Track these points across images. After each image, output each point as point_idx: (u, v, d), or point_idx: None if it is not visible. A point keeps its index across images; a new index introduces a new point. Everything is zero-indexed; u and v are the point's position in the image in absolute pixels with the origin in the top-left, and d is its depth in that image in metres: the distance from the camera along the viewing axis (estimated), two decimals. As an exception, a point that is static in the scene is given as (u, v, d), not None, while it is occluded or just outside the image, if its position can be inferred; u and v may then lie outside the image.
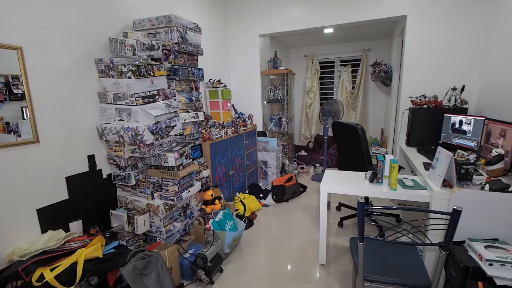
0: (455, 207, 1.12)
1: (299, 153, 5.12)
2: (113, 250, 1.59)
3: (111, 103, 1.87)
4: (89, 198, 1.91)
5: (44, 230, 1.63)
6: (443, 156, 1.62)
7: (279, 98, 3.94)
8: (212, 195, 2.31)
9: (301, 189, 3.58)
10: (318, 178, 4.07)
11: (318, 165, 4.65)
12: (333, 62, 5.59)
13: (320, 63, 5.58)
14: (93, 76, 1.90)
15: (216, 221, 2.17)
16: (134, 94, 1.74)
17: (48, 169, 1.66)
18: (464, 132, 2.28)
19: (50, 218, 1.67)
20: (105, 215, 2.01)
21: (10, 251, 1.45)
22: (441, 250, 1.20)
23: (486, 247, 1.37)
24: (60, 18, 1.71)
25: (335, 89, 5.68)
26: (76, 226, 1.78)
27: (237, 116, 3.40)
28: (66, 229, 1.71)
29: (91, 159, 1.93)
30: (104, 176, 2.02)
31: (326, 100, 5.34)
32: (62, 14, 1.72)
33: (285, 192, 3.27)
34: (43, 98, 1.62)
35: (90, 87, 1.90)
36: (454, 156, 1.61)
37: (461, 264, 1.34)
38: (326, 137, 3.94)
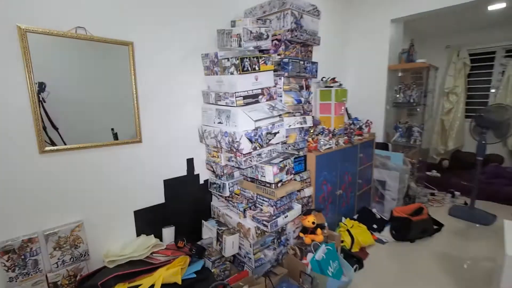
0: None
1: (428, 172, 3.94)
2: (194, 275, 1.36)
3: (213, 103, 1.67)
4: (184, 204, 1.79)
5: (138, 233, 1.58)
6: None
7: (412, 100, 3.02)
8: (314, 223, 1.83)
9: (435, 227, 2.61)
10: (460, 213, 2.91)
11: (458, 193, 3.40)
12: (493, 53, 4.03)
13: (470, 55, 4.13)
14: (198, 74, 1.75)
15: (316, 259, 1.68)
16: (235, 92, 1.46)
17: (147, 170, 1.60)
18: None
19: (145, 221, 1.61)
20: (197, 223, 1.87)
21: (105, 251, 1.42)
22: None
23: None
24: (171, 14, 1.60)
25: (492, 90, 4.10)
26: (168, 232, 1.68)
27: (351, 122, 2.77)
28: (159, 234, 1.63)
29: (190, 162, 1.81)
30: (201, 181, 1.88)
31: (475, 105, 3.92)
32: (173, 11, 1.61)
33: (411, 229, 2.41)
34: (148, 96, 1.54)
35: (195, 85, 1.75)
36: None
37: None
38: (481, 158, 2.76)
